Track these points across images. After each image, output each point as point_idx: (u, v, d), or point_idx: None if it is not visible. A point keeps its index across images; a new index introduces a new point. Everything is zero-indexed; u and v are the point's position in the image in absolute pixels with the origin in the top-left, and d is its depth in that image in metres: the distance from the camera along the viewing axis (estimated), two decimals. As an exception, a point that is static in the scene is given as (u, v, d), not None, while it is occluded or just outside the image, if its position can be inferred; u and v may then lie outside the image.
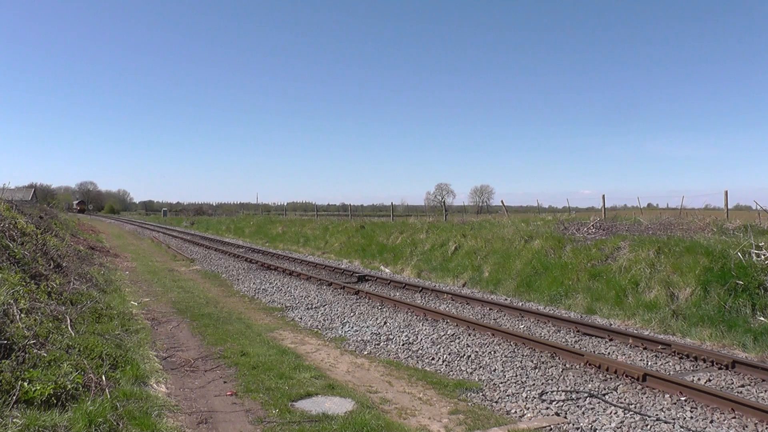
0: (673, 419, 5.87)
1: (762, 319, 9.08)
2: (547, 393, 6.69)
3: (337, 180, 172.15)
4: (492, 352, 8.46)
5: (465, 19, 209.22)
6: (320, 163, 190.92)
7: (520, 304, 12.81)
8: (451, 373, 7.58)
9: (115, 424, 4.70)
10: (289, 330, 10.06)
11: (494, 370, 7.61)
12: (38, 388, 4.77)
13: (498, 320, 11.11)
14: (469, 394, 6.64)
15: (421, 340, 9.27)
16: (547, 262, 14.51)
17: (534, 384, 7.03)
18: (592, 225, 17.20)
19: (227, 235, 40.88)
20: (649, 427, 5.67)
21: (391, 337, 9.50)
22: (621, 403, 6.37)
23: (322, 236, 29.09)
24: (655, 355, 8.44)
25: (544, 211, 45.86)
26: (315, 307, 12.25)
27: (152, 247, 29.84)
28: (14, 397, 4.59)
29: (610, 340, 9.37)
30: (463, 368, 7.74)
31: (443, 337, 9.39)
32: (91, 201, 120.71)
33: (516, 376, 7.37)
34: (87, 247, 21.71)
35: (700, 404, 6.26)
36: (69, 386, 5.00)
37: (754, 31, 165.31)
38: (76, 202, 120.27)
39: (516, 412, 6.10)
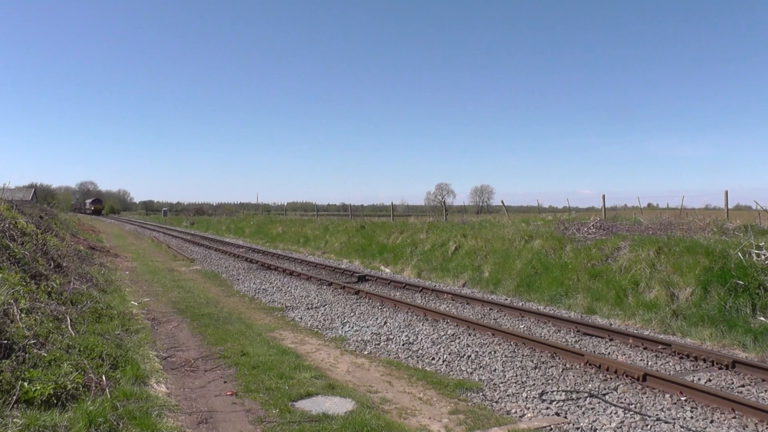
0: (674, 419, 5.87)
1: (762, 319, 9.08)
2: (547, 393, 6.69)
3: (337, 180, 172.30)
4: (492, 352, 8.46)
5: (465, 19, 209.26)
6: (320, 163, 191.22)
7: (520, 304, 12.80)
8: (451, 373, 7.58)
9: (115, 424, 4.70)
10: (290, 330, 10.06)
11: (494, 370, 7.61)
12: (38, 388, 4.77)
13: (498, 320, 11.11)
14: (469, 394, 6.64)
15: (422, 340, 9.27)
16: (547, 262, 14.51)
17: (534, 384, 7.03)
18: (592, 225, 17.19)
19: (227, 235, 40.88)
20: (649, 427, 5.67)
21: (391, 337, 9.50)
22: (621, 403, 6.37)
23: (322, 236, 29.09)
24: (656, 355, 8.44)
25: (545, 211, 45.84)
26: (315, 307, 12.25)
27: (152, 247, 29.84)
28: (14, 397, 4.59)
29: (611, 340, 9.37)
30: (463, 368, 7.74)
31: (443, 337, 9.39)
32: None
33: (516, 376, 7.37)
34: (87, 247, 21.72)
35: (700, 404, 6.26)
36: (69, 386, 5.01)
37: (754, 31, 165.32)
38: (90, 201, 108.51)
39: (516, 412, 6.10)
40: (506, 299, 13.58)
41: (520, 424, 5.69)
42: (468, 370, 7.67)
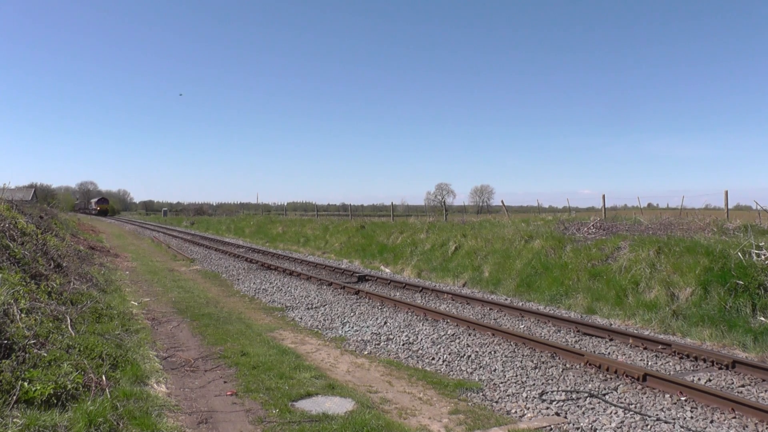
0: (674, 419, 5.87)
1: (762, 319, 9.08)
2: (547, 393, 6.69)
3: (337, 180, 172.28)
4: (492, 352, 8.46)
5: (465, 19, 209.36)
6: (320, 163, 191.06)
7: (521, 304, 12.80)
8: (451, 373, 7.58)
9: (115, 424, 4.70)
10: (290, 330, 10.06)
11: (494, 370, 7.61)
12: (38, 388, 4.77)
13: (498, 320, 11.11)
14: (469, 394, 6.64)
15: (422, 340, 9.27)
16: (547, 262, 14.51)
17: (534, 384, 7.03)
18: (592, 225, 17.19)
19: (227, 235, 40.88)
20: (649, 427, 5.67)
21: (391, 337, 9.50)
22: (621, 403, 6.37)
23: (322, 236, 29.09)
24: (656, 355, 8.44)
25: (545, 210, 45.87)
26: (315, 307, 12.25)
27: (152, 246, 29.84)
28: (14, 397, 4.60)
29: (611, 340, 9.37)
30: (463, 368, 7.74)
31: (443, 337, 9.39)
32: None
33: (516, 376, 7.37)
34: (87, 247, 21.73)
35: (700, 404, 6.26)
36: (69, 386, 5.01)
37: (754, 31, 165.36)
38: (95, 200, 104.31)
39: (516, 412, 6.10)
40: (506, 299, 13.58)
41: (520, 424, 5.69)
42: (468, 370, 7.67)
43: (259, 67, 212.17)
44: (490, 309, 12.15)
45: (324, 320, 10.91)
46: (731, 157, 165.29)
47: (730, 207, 19.92)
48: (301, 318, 11.13)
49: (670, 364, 8.04)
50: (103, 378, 5.66)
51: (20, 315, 6.11)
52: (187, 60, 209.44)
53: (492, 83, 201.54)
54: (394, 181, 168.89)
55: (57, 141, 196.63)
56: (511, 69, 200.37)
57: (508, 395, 6.64)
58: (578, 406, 6.24)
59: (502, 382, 7.10)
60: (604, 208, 23.97)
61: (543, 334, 9.92)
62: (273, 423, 5.44)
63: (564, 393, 6.68)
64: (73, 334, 6.78)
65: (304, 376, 6.92)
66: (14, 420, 4.25)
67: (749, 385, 7.09)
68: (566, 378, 7.30)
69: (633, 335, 9.18)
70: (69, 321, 7.17)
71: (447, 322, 10.54)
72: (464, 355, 8.35)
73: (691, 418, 5.92)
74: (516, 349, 8.63)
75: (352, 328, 10.24)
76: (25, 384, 4.76)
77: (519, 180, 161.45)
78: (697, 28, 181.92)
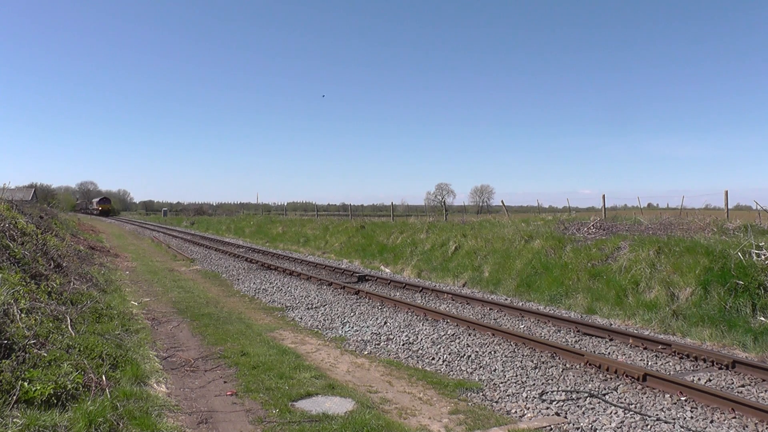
0: (674, 419, 5.87)
1: (762, 319, 9.08)
2: (547, 393, 6.69)
3: (337, 180, 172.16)
4: (492, 352, 8.46)
5: (465, 19, 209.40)
6: (320, 163, 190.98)
7: (521, 304, 12.81)
8: (451, 373, 7.58)
9: (115, 424, 4.70)
10: (290, 330, 10.06)
11: (494, 370, 7.61)
12: (38, 388, 4.77)
13: (498, 320, 11.11)
14: (469, 394, 6.64)
15: (422, 340, 9.27)
16: (547, 262, 14.51)
17: (534, 384, 7.03)
18: (592, 225, 17.18)
19: (227, 235, 40.89)
20: (649, 427, 5.67)
21: (391, 337, 9.50)
22: (621, 403, 6.37)
23: (322, 236, 29.09)
24: (656, 355, 8.44)
25: (544, 211, 45.87)
26: (315, 307, 12.25)
27: (152, 247, 29.84)
28: (14, 397, 4.60)
29: (611, 340, 9.37)
30: (463, 368, 7.74)
31: (443, 337, 9.39)
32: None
33: (516, 376, 7.37)
34: (87, 247, 21.72)
35: (700, 404, 6.26)
36: (69, 386, 5.01)
37: (754, 31, 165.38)
38: (97, 200, 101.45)
39: (516, 412, 6.10)
40: (506, 299, 13.58)
41: (520, 424, 5.69)
42: (468, 370, 7.67)
43: (259, 67, 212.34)
44: (490, 309, 12.15)
45: (324, 320, 10.91)
46: (731, 157, 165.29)
47: (730, 207, 19.92)
48: (301, 318, 11.13)
49: (670, 364, 8.04)
50: (103, 378, 5.66)
51: (20, 315, 6.11)
52: (187, 60, 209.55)
53: (492, 83, 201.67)
54: (394, 181, 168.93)
55: (57, 141, 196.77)
56: (511, 69, 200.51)
57: (508, 395, 6.64)
58: (578, 406, 6.25)
59: (502, 382, 7.11)
60: (604, 208, 23.98)
61: (543, 334, 9.92)
62: (273, 423, 5.45)
63: (564, 393, 6.68)
64: (73, 334, 6.78)
65: (304, 376, 6.92)
66: (14, 420, 4.25)
67: (749, 385, 7.09)
68: (566, 378, 7.30)
69: (633, 335, 9.18)
70: (69, 321, 7.17)
71: (447, 322, 10.54)
72: (464, 355, 8.35)
73: (691, 418, 5.92)
74: (516, 349, 8.63)
75: (352, 328, 10.24)
76: (25, 384, 4.76)
77: (519, 180, 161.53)
78: (696, 28, 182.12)
